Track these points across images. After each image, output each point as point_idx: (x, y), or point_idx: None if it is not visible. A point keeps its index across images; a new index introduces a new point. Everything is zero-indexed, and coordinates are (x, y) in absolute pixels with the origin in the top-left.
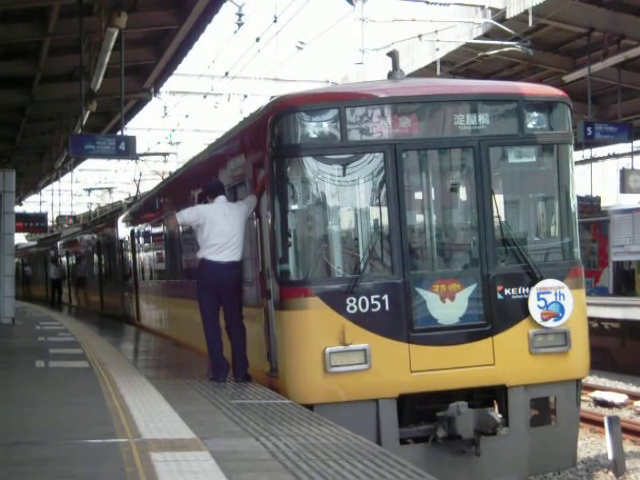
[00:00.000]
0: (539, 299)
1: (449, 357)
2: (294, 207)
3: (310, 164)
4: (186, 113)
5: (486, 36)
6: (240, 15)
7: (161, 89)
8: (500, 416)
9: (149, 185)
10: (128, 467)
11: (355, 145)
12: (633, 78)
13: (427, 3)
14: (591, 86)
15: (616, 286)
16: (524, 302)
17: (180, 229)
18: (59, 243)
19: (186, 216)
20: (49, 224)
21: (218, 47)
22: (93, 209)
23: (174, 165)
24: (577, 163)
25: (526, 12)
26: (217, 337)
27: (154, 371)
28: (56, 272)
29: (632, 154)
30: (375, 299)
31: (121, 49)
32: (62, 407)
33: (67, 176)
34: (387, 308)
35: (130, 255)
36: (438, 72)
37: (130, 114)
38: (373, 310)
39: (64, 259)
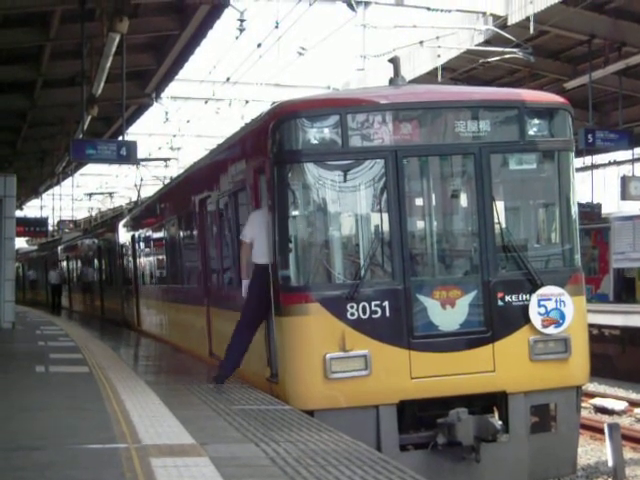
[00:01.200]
0: (539, 306)
1: (449, 363)
2: (295, 213)
3: (311, 170)
4: (187, 118)
5: (487, 43)
6: (242, 21)
7: (162, 94)
8: (500, 423)
9: (150, 190)
10: (128, 472)
11: (356, 151)
12: (634, 85)
13: (428, 10)
14: (592, 93)
15: (617, 293)
16: (524, 309)
17: (181, 234)
18: (59, 248)
19: (247, 234)
20: (50, 229)
21: (219, 53)
22: (94, 214)
23: (175, 170)
24: (578, 170)
25: (527, 19)
26: (247, 341)
27: (154, 376)
28: (56, 277)
29: (633, 161)
30: (376, 305)
31: (122, 54)
32: (62, 412)
33: (68, 181)
34: (388, 314)
35: (131, 260)
36: (439, 78)
37: (131, 119)
38: (374, 316)
39: (64, 264)
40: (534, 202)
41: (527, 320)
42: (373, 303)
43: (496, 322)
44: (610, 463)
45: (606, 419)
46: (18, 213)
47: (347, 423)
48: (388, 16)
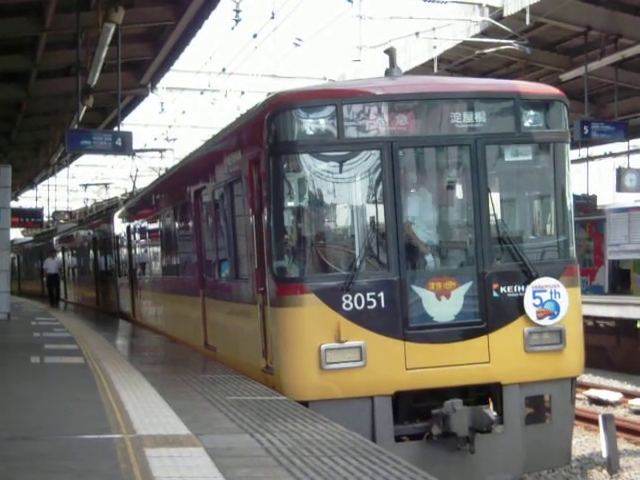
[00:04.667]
0: (534, 297)
1: (444, 355)
2: (290, 204)
3: (307, 161)
4: (183, 109)
5: (483, 34)
6: (237, 11)
7: (158, 85)
8: (495, 414)
9: (145, 181)
10: (123, 463)
11: (352, 142)
12: (630, 77)
13: (425, 0)
14: (588, 85)
15: (612, 285)
16: (519, 300)
17: (176, 225)
18: (55, 238)
19: None
20: (45, 220)
21: (215, 43)
22: (89, 205)
23: (170, 161)
24: (573, 162)
25: (523, 10)
26: None
27: (149, 367)
28: (54, 266)
29: (628, 153)
30: (371, 296)
31: (118, 44)
32: (57, 403)
33: (63, 171)
34: (383, 305)
35: (126, 251)
36: (435, 70)
37: (127, 110)
38: (369, 307)
39: (59, 255)
40: (529, 194)
41: (522, 311)
42: (368, 294)
43: (491, 313)
44: (604, 454)
45: (600, 410)
46: (13, 204)
47: (342, 414)
48: (384, 7)
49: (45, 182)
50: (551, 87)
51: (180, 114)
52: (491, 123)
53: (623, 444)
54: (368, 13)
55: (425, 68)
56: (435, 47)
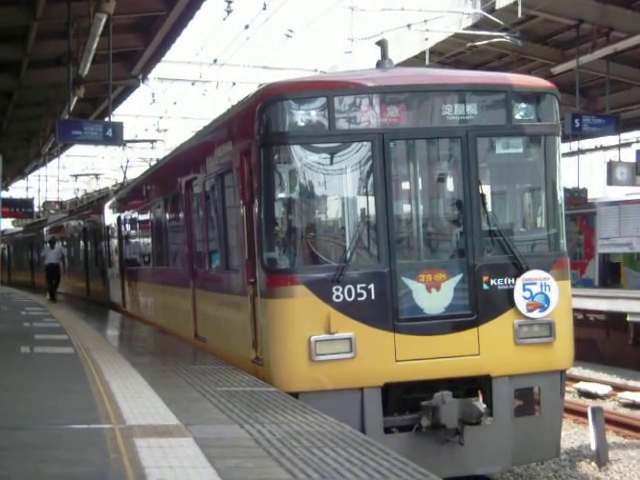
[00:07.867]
0: (524, 290)
1: (434, 347)
2: (281, 195)
3: (297, 152)
4: (174, 100)
5: (475, 26)
6: (229, 2)
7: (149, 76)
8: (484, 406)
9: (136, 172)
10: (112, 453)
11: (343, 134)
12: (621, 70)
13: None
14: (579, 78)
15: (602, 278)
16: (510, 293)
17: (167, 216)
18: (45, 229)
19: None
20: (35, 210)
21: (207, 34)
22: (80, 195)
23: (161, 152)
24: (564, 155)
25: (515, 3)
26: None
27: (140, 357)
28: (54, 256)
29: (619, 146)
30: (361, 288)
31: (109, 35)
32: (47, 393)
33: (54, 162)
34: (373, 297)
35: (116, 241)
36: (427, 62)
37: (118, 100)
38: (359, 299)
39: (60, 243)
40: (520, 186)
41: (512, 304)
42: (359, 286)
43: (481, 306)
44: (593, 447)
45: (590, 403)
46: (4, 194)
47: (332, 405)
48: None
49: (36, 172)
50: (543, 80)
51: (171, 105)
52: (482, 115)
53: (612, 437)
54: (360, 5)
55: (417, 60)
56: (427, 39)
